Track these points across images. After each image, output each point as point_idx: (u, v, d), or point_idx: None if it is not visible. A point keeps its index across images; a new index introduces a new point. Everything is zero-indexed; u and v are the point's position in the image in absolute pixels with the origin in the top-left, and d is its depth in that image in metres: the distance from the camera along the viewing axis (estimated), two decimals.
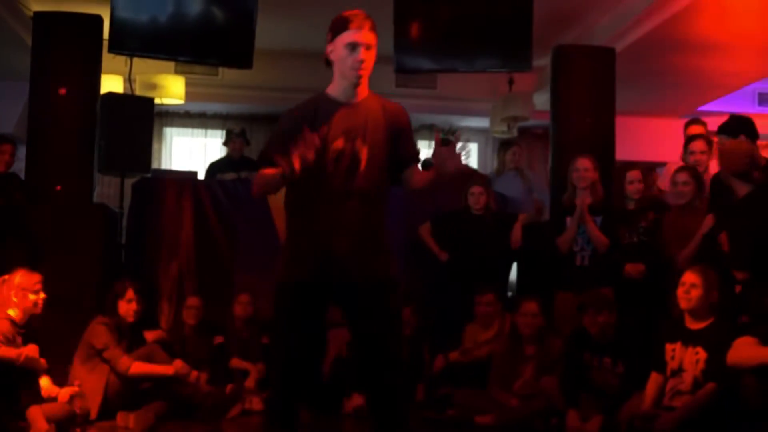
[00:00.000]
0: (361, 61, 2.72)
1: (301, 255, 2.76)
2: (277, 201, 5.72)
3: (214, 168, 6.77)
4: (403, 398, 2.80)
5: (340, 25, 2.77)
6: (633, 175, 5.06)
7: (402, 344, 2.86)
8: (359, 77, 2.75)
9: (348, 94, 2.80)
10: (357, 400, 4.69)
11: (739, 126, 4.44)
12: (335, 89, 2.83)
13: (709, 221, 4.32)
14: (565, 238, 4.82)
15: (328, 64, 2.83)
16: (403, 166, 2.89)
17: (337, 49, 2.77)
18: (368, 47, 2.74)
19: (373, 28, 2.76)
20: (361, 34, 2.73)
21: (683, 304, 3.78)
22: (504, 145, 6.81)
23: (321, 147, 2.67)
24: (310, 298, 2.75)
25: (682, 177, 4.62)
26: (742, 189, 4.00)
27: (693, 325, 3.79)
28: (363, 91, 2.82)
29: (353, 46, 2.73)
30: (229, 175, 6.38)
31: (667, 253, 4.54)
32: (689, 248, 4.37)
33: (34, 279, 4.18)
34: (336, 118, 2.76)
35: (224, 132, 8.26)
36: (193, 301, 5.23)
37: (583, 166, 4.90)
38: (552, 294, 4.88)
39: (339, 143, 2.74)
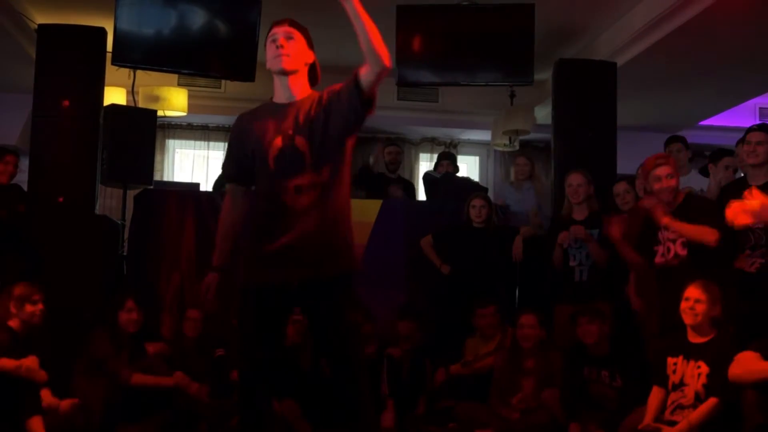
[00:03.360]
0: (280, 47, 2.79)
1: (258, 258, 2.79)
2: None
3: (223, 180, 6.73)
4: (363, 400, 2.79)
5: (267, 34, 2.88)
6: (619, 187, 4.91)
7: (356, 341, 2.84)
8: (280, 63, 2.80)
9: (285, 95, 2.87)
10: (388, 420, 4.72)
11: None
12: (275, 94, 2.91)
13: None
14: (555, 258, 4.84)
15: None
16: (357, 87, 2.73)
17: (267, 50, 2.87)
18: (287, 36, 2.82)
19: (294, 24, 2.85)
20: (278, 27, 2.84)
21: (688, 319, 3.77)
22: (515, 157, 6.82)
23: (262, 150, 2.79)
24: (269, 301, 2.78)
25: (622, 186, 4.69)
26: None
27: (695, 339, 3.79)
28: (301, 89, 2.87)
29: (273, 39, 2.83)
30: None
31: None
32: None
33: (34, 290, 4.19)
34: (273, 118, 2.83)
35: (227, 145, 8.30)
36: (192, 313, 5.22)
37: (576, 182, 4.91)
38: (551, 307, 4.88)
39: (277, 142, 2.79)
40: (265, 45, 2.90)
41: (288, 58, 2.81)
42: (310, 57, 2.89)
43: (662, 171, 4.10)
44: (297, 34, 2.85)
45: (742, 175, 4.53)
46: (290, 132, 2.79)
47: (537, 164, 8.56)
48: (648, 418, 3.77)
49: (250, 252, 2.83)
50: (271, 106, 2.91)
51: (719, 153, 5.08)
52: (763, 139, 4.25)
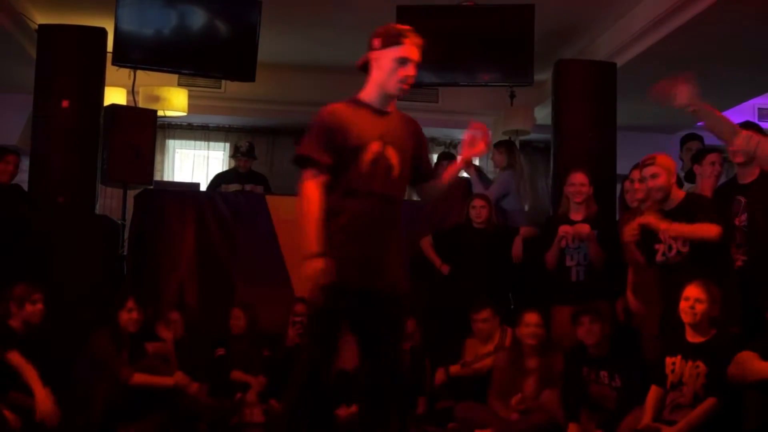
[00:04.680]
0: (409, 77, 2.82)
1: (341, 258, 2.75)
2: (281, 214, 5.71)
3: (219, 179, 6.78)
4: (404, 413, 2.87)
5: (393, 38, 2.81)
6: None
7: (403, 358, 2.95)
8: (404, 91, 2.85)
9: (383, 103, 2.88)
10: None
11: None
12: (370, 96, 2.89)
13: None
14: (550, 255, 4.84)
15: (364, 68, 2.90)
16: (421, 181, 3.06)
17: (384, 59, 2.81)
18: (417, 64, 2.85)
19: (420, 47, 2.87)
20: (414, 50, 2.82)
21: (687, 318, 3.78)
22: None
23: (358, 148, 2.78)
24: (341, 302, 2.77)
25: (638, 175, 4.62)
26: None
27: (694, 338, 3.79)
28: (394, 103, 2.94)
29: (404, 61, 2.80)
30: (233, 187, 6.40)
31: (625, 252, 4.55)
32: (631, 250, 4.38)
33: (34, 290, 4.20)
34: (372, 122, 2.84)
35: (229, 144, 8.32)
36: (173, 315, 5.22)
37: (579, 181, 4.90)
38: (549, 308, 4.87)
39: (376, 146, 2.80)
40: (378, 46, 2.83)
41: (409, 87, 2.88)
42: None
43: (647, 171, 4.12)
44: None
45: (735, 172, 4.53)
46: (387, 140, 2.84)
47: (537, 165, 8.60)
48: (646, 417, 3.78)
49: (341, 252, 2.76)
50: (367, 106, 2.88)
51: (702, 152, 5.08)
52: None
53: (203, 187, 6.73)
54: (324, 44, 6.95)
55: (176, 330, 5.15)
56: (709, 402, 3.58)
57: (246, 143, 6.84)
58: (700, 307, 3.74)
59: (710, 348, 3.71)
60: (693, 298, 3.75)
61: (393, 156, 2.83)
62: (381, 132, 2.82)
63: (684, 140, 5.73)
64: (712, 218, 3.93)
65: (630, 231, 4.17)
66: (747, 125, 4.43)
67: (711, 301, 3.74)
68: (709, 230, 3.91)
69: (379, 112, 2.87)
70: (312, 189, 2.79)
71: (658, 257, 4.11)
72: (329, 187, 2.81)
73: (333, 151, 2.79)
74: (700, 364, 3.69)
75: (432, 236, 5.56)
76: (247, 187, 6.33)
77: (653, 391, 3.85)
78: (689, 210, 4.03)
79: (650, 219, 4.04)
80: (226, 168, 8.33)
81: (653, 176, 4.09)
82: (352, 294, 2.77)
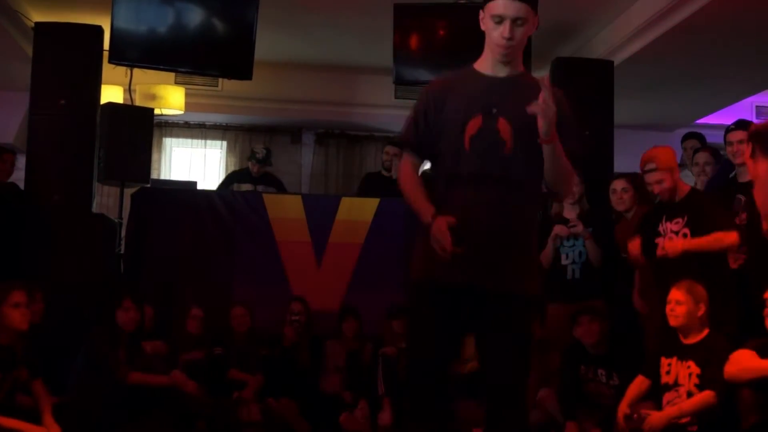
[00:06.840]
0: (507, 39, 2.40)
1: (434, 250, 2.36)
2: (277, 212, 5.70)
3: (233, 177, 6.74)
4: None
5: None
6: (617, 184, 4.85)
7: (526, 372, 2.57)
8: (504, 56, 2.46)
9: (496, 68, 2.50)
10: (386, 419, 4.75)
11: None
12: (482, 62, 2.54)
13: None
14: (544, 254, 4.83)
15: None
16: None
17: (485, 19, 2.47)
18: (516, 21, 2.40)
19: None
20: (509, 5, 2.39)
21: (671, 321, 3.79)
22: None
23: (458, 124, 2.43)
24: (443, 299, 2.44)
25: (621, 184, 4.64)
26: None
27: (686, 339, 3.79)
28: (515, 66, 2.51)
29: (499, 19, 2.41)
30: (245, 187, 6.37)
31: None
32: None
33: (33, 290, 4.19)
34: (476, 91, 2.47)
35: (226, 143, 8.31)
36: (196, 311, 5.23)
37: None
38: (543, 306, 4.87)
39: (477, 120, 2.42)
40: (482, 4, 2.49)
41: (512, 49, 2.44)
42: (533, 27, 2.44)
43: (652, 177, 4.07)
44: (528, 14, 2.40)
45: (734, 172, 4.52)
46: (494, 112, 2.43)
47: None
48: (624, 403, 3.78)
49: (426, 241, 2.39)
50: (475, 75, 2.52)
51: (694, 153, 5.08)
52: (743, 137, 4.23)
53: (201, 186, 6.72)
54: (321, 42, 6.95)
55: (197, 326, 5.17)
56: (706, 394, 3.57)
57: (263, 150, 6.62)
58: (680, 310, 3.74)
59: (701, 348, 3.71)
60: (674, 300, 3.76)
61: (504, 129, 2.39)
62: (487, 101, 2.43)
63: (683, 140, 5.74)
64: (726, 224, 3.90)
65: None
66: (740, 124, 4.42)
67: (693, 302, 3.72)
68: (727, 238, 3.86)
69: (492, 79, 2.47)
70: (401, 167, 2.55)
71: (658, 251, 4.09)
72: (435, 175, 2.53)
73: (428, 128, 2.50)
74: (692, 364, 3.69)
75: None
76: (260, 188, 6.29)
77: (638, 380, 3.86)
78: (692, 207, 4.00)
79: (669, 248, 3.93)
80: (222, 167, 8.33)
81: (659, 182, 4.04)
82: (454, 292, 2.42)
